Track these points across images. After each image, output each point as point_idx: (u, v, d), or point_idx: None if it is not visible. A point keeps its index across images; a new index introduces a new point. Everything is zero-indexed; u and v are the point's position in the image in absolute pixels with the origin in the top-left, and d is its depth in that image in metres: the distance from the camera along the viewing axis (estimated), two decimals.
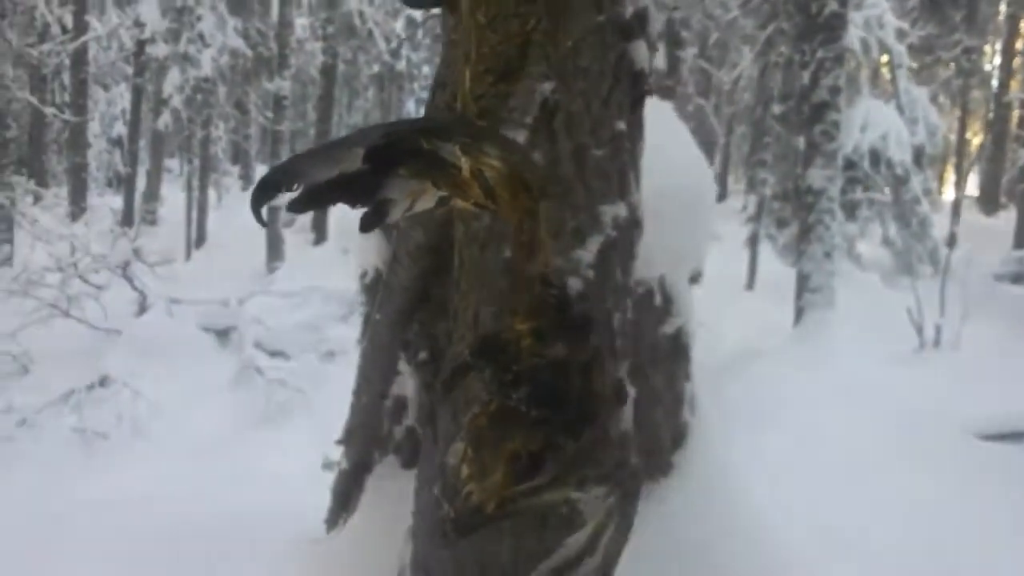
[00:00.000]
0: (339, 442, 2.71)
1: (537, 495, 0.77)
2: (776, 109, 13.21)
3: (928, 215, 13.65)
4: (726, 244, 14.88)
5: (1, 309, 8.65)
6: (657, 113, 3.10)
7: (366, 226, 0.88)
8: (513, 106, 1.31)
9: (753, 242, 13.24)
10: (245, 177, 23.50)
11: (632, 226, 1.49)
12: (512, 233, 0.78)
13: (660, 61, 11.87)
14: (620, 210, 1.43)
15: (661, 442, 2.75)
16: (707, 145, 29.38)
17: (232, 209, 20.12)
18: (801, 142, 10.28)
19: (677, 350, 2.75)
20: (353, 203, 0.86)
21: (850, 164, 12.79)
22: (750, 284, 13.37)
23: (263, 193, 0.90)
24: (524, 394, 0.76)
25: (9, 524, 4.87)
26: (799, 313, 9.04)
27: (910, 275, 10.97)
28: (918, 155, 13.79)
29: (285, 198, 0.90)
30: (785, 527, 3.94)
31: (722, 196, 26.63)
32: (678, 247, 2.68)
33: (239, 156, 24.32)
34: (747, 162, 18.97)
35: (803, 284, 8.97)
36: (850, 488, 5.38)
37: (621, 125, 1.41)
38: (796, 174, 11.22)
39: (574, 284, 1.38)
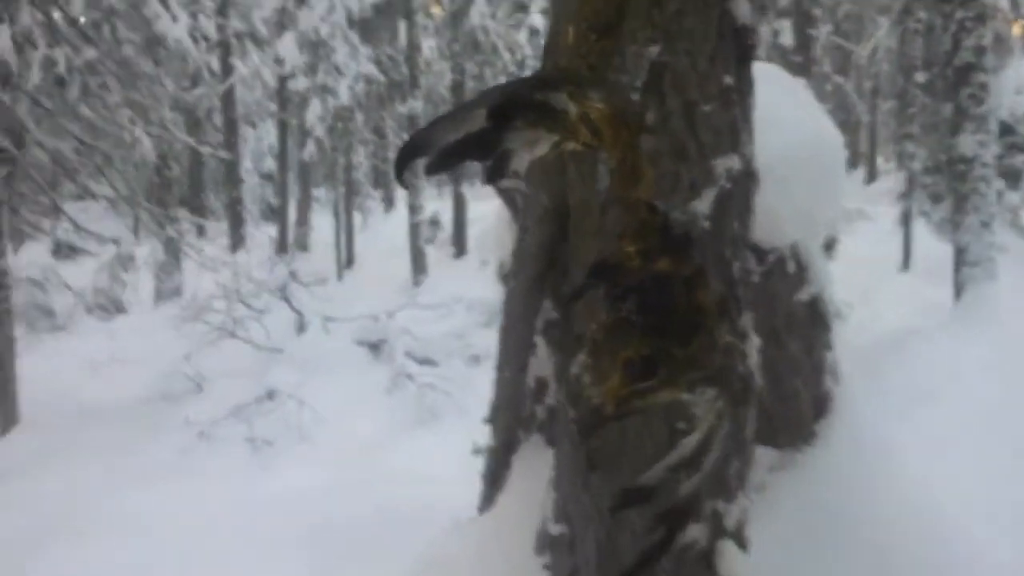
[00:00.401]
0: (486, 421, 2.84)
1: (651, 396, 0.85)
2: (919, 78, 12.54)
3: None
4: (878, 225, 14.24)
5: (175, 334, 9.42)
6: (784, 83, 3.10)
7: (491, 177, 1.00)
8: (623, 70, 1.41)
9: (906, 220, 12.60)
10: (387, 200, 24.46)
11: (747, 178, 1.54)
12: (617, 165, 0.87)
13: (788, 38, 11.52)
14: (733, 162, 1.48)
15: (802, 410, 2.74)
16: (849, 124, 28.18)
17: (376, 230, 21.01)
18: (949, 109, 9.73)
19: (814, 318, 2.73)
20: (480, 158, 0.98)
21: (1007, 129, 11.98)
22: (905, 265, 12.75)
23: (404, 158, 1.03)
24: (633, 305, 0.85)
25: (194, 524, 5.33)
26: (958, 289, 8.54)
27: None
28: None
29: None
30: (949, 502, 3.79)
31: (871, 177, 25.52)
32: (808, 214, 2.66)
33: (379, 179, 25.35)
34: (895, 137, 18.05)
35: (961, 258, 8.47)
36: (1017, 463, 5.09)
37: (728, 80, 1.47)
38: (947, 144, 10.62)
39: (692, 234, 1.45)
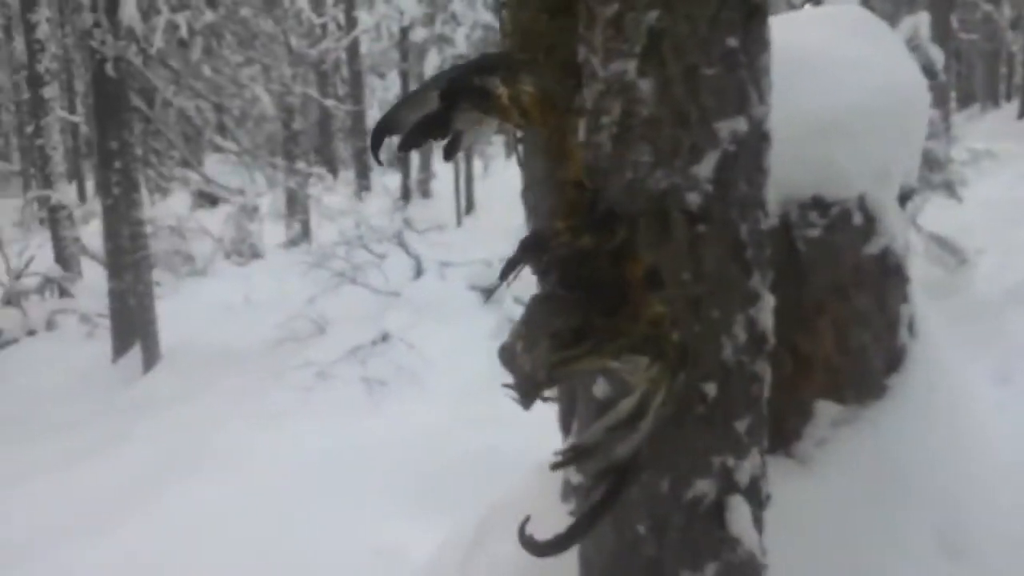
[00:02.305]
0: None
1: (577, 363, 0.91)
2: None
3: None
4: (1020, 165, 13.26)
5: (302, 280, 9.94)
6: (864, 27, 2.97)
7: (447, 156, 1.08)
8: (620, 38, 1.43)
9: None
10: (509, 145, 24.60)
11: (757, 139, 1.53)
12: (545, 145, 0.92)
13: None
14: (739, 125, 1.48)
15: (870, 364, 2.68)
16: (994, 55, 25.96)
17: (497, 176, 21.22)
18: None
19: (885, 270, 2.65)
20: (438, 136, 1.05)
21: None
22: None
23: (377, 137, 1.12)
24: (555, 279, 0.91)
25: (312, 460, 5.73)
26: None
27: None
28: None
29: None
30: None
31: (1023, 112, 23.60)
32: (879, 164, 2.56)
33: (500, 126, 25.45)
34: None
35: None
36: None
37: (733, 42, 1.46)
38: None
39: (693, 199, 1.47)
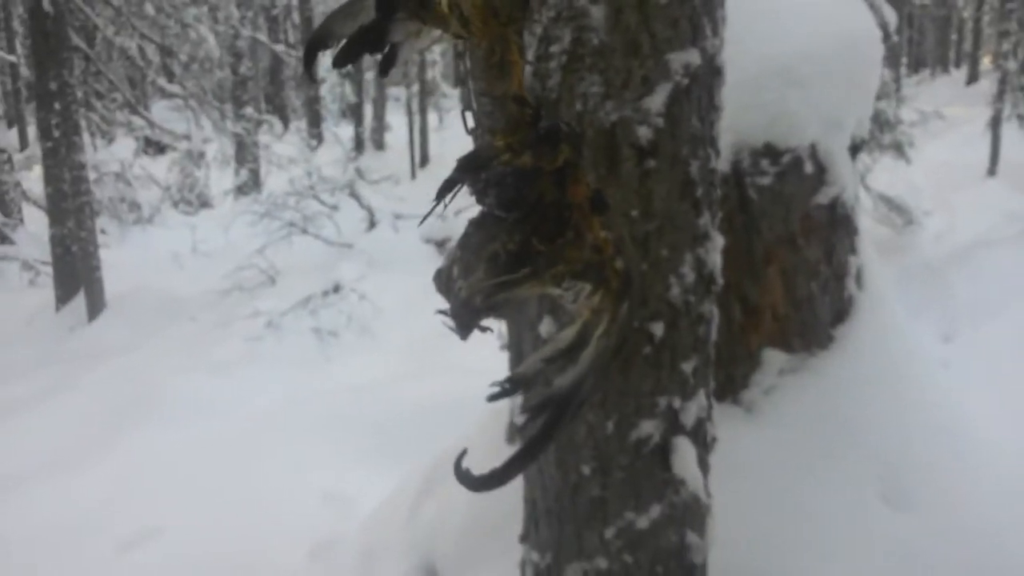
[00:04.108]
0: None
1: (516, 288, 0.88)
2: None
3: None
4: (971, 127, 13.48)
5: (250, 231, 9.75)
6: None
7: (383, 70, 1.02)
8: None
9: (995, 123, 11.90)
10: (465, 99, 24.25)
11: (710, 74, 1.50)
12: (485, 57, 0.88)
13: None
14: (692, 57, 1.44)
15: (818, 314, 2.70)
16: (945, 20, 26.21)
17: (452, 129, 20.97)
18: None
19: (834, 221, 2.66)
20: (373, 50, 1.00)
21: None
22: (992, 170, 12.08)
23: (311, 51, 1.05)
24: (493, 199, 0.87)
25: (263, 409, 5.67)
26: None
27: None
28: None
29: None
30: (990, 416, 3.70)
31: (973, 77, 23.98)
32: (830, 112, 2.56)
33: (458, 80, 25.14)
34: (997, 36, 16.85)
35: None
36: None
37: None
38: None
39: (643, 132, 1.44)
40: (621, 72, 1.41)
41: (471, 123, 0.94)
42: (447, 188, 0.89)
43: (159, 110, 13.01)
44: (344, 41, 1.00)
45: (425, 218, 1.06)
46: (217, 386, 6.05)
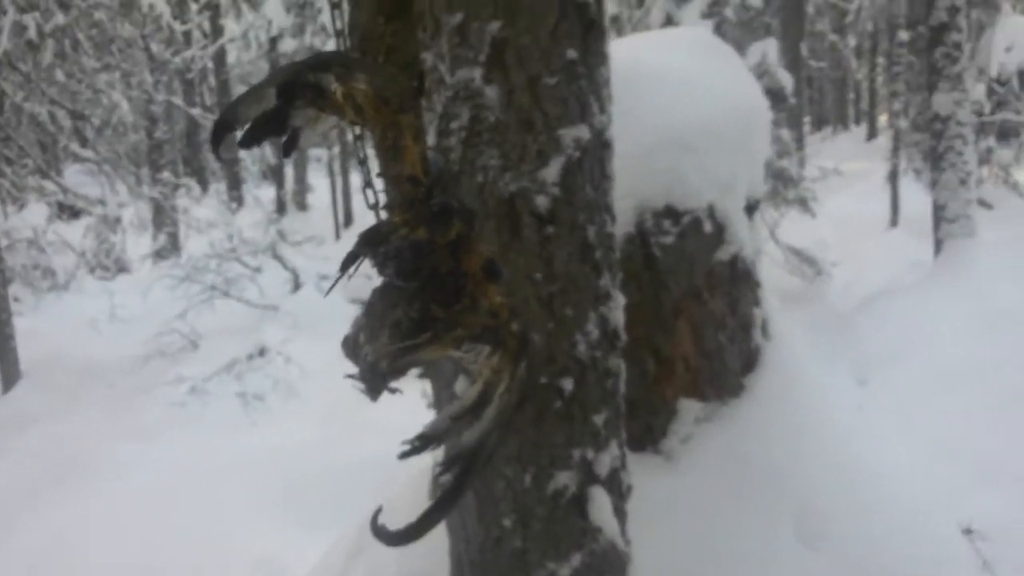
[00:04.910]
0: None
1: (418, 352, 0.95)
2: (903, 36, 12.45)
3: None
4: (873, 181, 14.21)
5: (171, 295, 9.58)
6: (711, 50, 3.15)
7: (286, 152, 1.10)
8: (466, 46, 1.50)
9: (893, 177, 12.61)
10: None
11: (599, 147, 1.63)
12: (380, 142, 0.96)
13: None
14: (582, 132, 1.57)
15: (727, 364, 2.84)
16: (842, 81, 27.61)
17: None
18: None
19: (736, 276, 2.82)
20: (276, 133, 1.08)
21: (996, 87, 11.85)
22: (894, 221, 12.75)
23: (217, 134, 1.13)
24: (392, 270, 0.95)
25: (185, 475, 5.55)
26: (938, 246, 8.58)
27: None
28: None
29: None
30: (921, 457, 3.88)
31: (872, 134, 25.27)
32: (726, 176, 2.74)
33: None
34: (889, 96, 17.97)
35: (940, 215, 8.49)
36: (991, 417, 5.18)
37: (572, 53, 1.55)
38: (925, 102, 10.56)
39: (541, 201, 1.55)
40: (517, 147, 1.52)
41: (371, 199, 1.03)
42: (350, 261, 0.97)
43: (72, 174, 12.73)
44: (249, 124, 1.08)
45: (332, 287, 1.13)
46: (140, 452, 5.93)
